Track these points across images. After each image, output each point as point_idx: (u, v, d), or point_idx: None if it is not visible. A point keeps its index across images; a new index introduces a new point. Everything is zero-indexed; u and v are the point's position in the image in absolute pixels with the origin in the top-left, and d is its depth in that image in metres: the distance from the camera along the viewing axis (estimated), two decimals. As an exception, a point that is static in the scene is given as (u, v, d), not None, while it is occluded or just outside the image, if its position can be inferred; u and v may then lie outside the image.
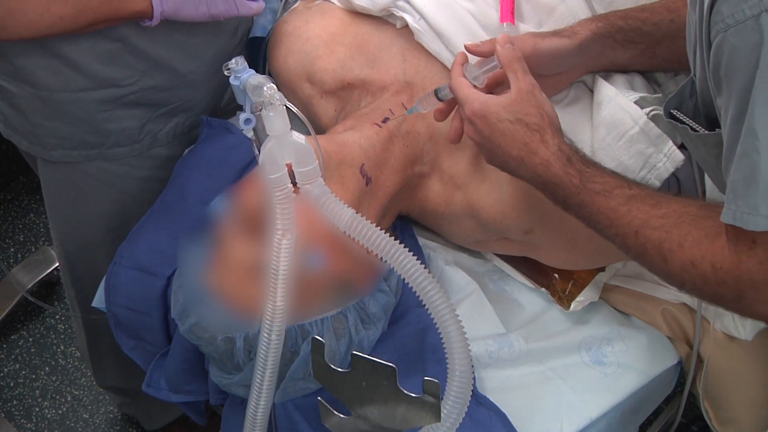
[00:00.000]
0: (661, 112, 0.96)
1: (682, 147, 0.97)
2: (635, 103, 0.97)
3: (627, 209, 0.81)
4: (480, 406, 0.98)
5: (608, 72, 1.03)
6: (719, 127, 0.78)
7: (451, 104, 0.97)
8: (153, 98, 1.17)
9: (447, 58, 1.06)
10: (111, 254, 1.32)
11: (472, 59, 0.97)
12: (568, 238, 1.04)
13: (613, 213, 0.82)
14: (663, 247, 0.78)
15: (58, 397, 1.90)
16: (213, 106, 1.31)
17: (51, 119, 1.16)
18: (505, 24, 1.04)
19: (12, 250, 2.17)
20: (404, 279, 0.71)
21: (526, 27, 1.06)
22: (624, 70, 1.03)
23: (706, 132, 0.82)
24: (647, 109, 0.97)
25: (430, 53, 1.07)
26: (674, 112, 0.86)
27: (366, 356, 0.68)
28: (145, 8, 1.02)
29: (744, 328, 1.07)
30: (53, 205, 1.32)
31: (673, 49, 0.97)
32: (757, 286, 0.72)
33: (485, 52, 0.95)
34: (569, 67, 0.99)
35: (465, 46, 0.97)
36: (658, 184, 0.97)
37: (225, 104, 1.36)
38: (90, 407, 1.89)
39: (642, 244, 0.80)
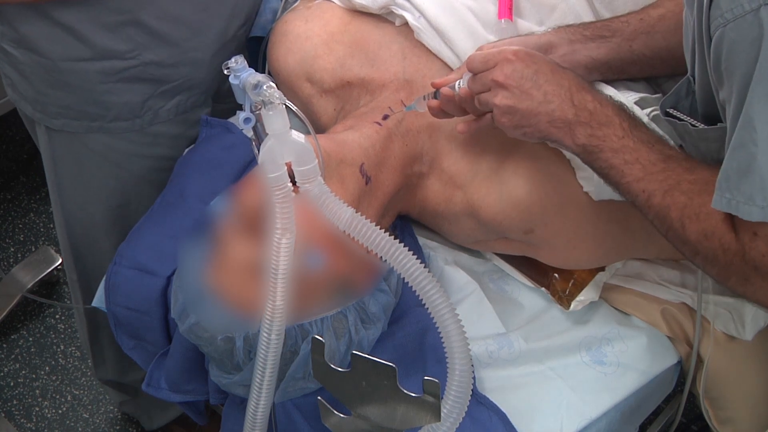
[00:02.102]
0: None
1: (680, 149, 0.97)
2: (636, 104, 0.97)
3: (664, 166, 0.81)
4: (480, 405, 0.98)
5: (593, 73, 1.02)
6: (718, 123, 0.78)
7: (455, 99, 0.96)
8: (155, 74, 1.18)
9: (447, 56, 1.05)
10: (112, 235, 1.33)
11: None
12: (569, 237, 1.04)
13: (651, 166, 0.82)
14: (684, 213, 0.78)
15: (58, 396, 1.90)
16: (216, 87, 1.31)
17: (53, 88, 1.17)
18: (503, 21, 1.04)
19: (12, 249, 2.17)
20: (404, 278, 0.71)
21: (525, 24, 1.06)
22: (615, 74, 1.03)
23: (707, 127, 0.82)
24: (648, 110, 0.97)
25: (430, 51, 1.07)
26: (671, 110, 0.86)
27: (366, 356, 0.67)
28: None
29: (743, 328, 1.07)
30: (56, 180, 1.32)
31: (651, 44, 0.97)
32: (763, 276, 0.73)
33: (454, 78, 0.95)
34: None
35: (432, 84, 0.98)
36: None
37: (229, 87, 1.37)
38: (90, 407, 1.89)
39: (667, 206, 0.80)
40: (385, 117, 1.05)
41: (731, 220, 0.75)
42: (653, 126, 0.93)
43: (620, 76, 1.01)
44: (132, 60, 1.14)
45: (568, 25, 1.00)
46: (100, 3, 1.06)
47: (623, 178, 0.84)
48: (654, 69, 1.01)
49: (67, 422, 1.86)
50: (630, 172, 0.83)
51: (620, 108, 0.85)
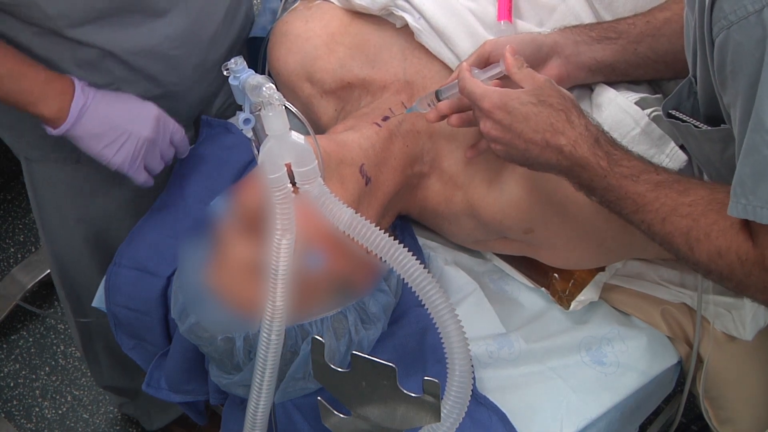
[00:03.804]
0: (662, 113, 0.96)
1: (682, 149, 0.97)
2: (636, 104, 0.97)
3: (655, 195, 0.80)
4: (480, 405, 0.98)
5: (596, 75, 1.02)
6: (722, 125, 0.78)
7: (452, 105, 0.96)
8: None
9: (447, 57, 1.05)
10: (96, 256, 1.32)
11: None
12: (569, 237, 1.04)
13: (640, 198, 0.81)
14: (690, 236, 0.78)
15: (58, 397, 1.90)
16: (197, 116, 1.30)
17: (32, 119, 1.13)
18: (502, 22, 1.04)
19: (12, 250, 2.17)
20: (404, 279, 0.71)
21: (525, 25, 1.06)
22: (618, 77, 1.02)
23: (710, 128, 0.81)
24: (648, 110, 0.97)
25: (430, 52, 1.07)
26: (673, 112, 0.86)
27: (366, 356, 0.67)
28: (53, 117, 1.03)
29: (744, 328, 1.07)
30: (37, 206, 1.31)
31: (656, 47, 0.96)
32: None
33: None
34: (543, 55, 0.97)
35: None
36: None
37: (217, 112, 1.35)
38: (90, 407, 1.89)
39: (669, 232, 0.79)
40: (386, 118, 1.05)
41: (747, 228, 0.75)
42: (636, 149, 0.93)
43: (624, 79, 1.01)
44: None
45: (575, 26, 1.00)
46: (74, 39, 1.05)
47: (621, 212, 0.84)
48: (658, 72, 1.00)
49: (67, 422, 1.86)
50: (624, 206, 0.83)
51: (596, 141, 0.84)
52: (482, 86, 0.89)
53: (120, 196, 1.27)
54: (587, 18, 1.06)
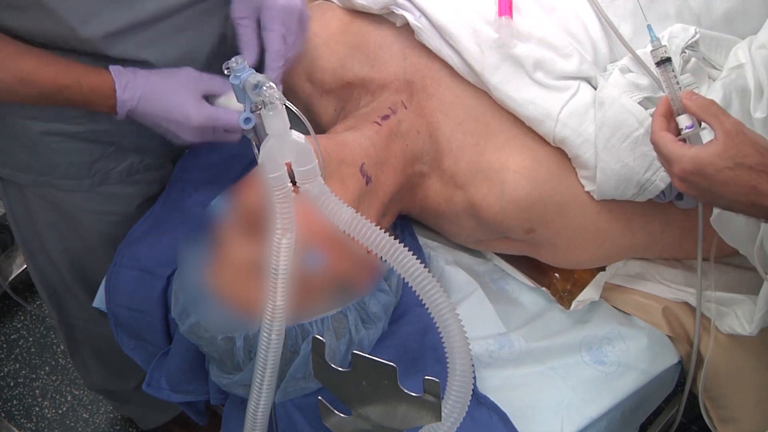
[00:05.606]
0: None
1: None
2: (639, 103, 0.97)
3: None
4: (480, 405, 0.98)
5: None
6: None
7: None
8: (103, 138, 1.14)
9: (447, 55, 1.05)
10: (73, 272, 1.31)
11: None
12: (570, 237, 1.04)
13: None
14: None
15: (58, 397, 1.90)
16: (175, 154, 1.28)
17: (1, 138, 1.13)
18: (503, 18, 1.03)
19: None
20: (404, 278, 0.71)
21: (525, 22, 1.06)
22: None
23: None
24: (651, 110, 0.97)
25: (430, 51, 1.07)
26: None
27: (366, 355, 0.67)
28: (111, 113, 1.02)
29: (748, 324, 1.05)
30: (15, 222, 1.29)
31: None
32: None
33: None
34: None
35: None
36: (662, 186, 0.97)
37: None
38: (90, 407, 1.89)
39: None
40: (386, 117, 1.05)
41: None
42: (639, 150, 0.92)
43: None
44: (78, 126, 1.10)
45: None
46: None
47: None
48: None
49: (67, 422, 1.86)
50: None
51: None
52: (670, 146, 0.83)
53: (96, 222, 1.24)
54: (587, 17, 1.06)
